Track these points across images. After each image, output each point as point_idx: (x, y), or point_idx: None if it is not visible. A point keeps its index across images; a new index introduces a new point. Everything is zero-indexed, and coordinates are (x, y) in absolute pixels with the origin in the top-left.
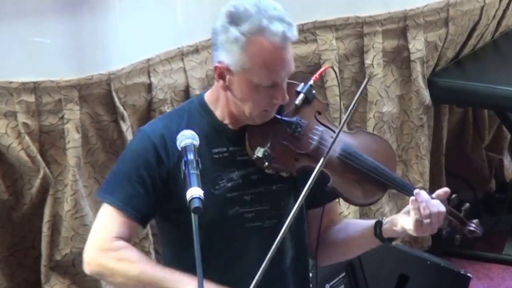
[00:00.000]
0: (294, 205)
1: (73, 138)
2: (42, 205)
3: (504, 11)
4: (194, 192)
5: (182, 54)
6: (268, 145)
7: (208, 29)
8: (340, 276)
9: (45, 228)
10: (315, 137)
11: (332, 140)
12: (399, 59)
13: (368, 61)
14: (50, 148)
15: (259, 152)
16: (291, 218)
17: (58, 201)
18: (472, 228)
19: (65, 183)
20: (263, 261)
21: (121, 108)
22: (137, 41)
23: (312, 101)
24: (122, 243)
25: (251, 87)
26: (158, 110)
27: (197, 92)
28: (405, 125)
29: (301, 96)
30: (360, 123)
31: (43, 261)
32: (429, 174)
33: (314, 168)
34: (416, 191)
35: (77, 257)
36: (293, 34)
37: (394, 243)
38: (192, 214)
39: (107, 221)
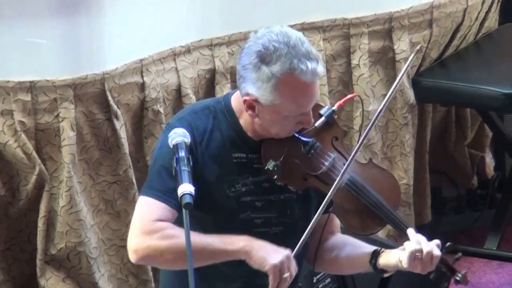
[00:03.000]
0: (300, 214)
1: (68, 136)
2: (38, 200)
3: (487, 13)
4: (185, 188)
5: (174, 55)
6: (281, 159)
7: (199, 30)
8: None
9: (40, 223)
10: (327, 163)
11: (343, 168)
12: (384, 59)
13: (354, 62)
14: (46, 145)
15: (270, 165)
16: (308, 230)
17: (53, 197)
18: (458, 279)
19: (60, 179)
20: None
21: (114, 106)
22: (131, 42)
23: (332, 126)
24: (163, 223)
25: (280, 117)
26: (151, 109)
27: (189, 91)
28: (390, 123)
29: (322, 119)
30: (347, 122)
31: (39, 255)
32: (413, 171)
33: (320, 189)
34: (409, 229)
35: (72, 251)
36: (321, 69)
37: (385, 275)
38: (183, 210)
39: (147, 209)
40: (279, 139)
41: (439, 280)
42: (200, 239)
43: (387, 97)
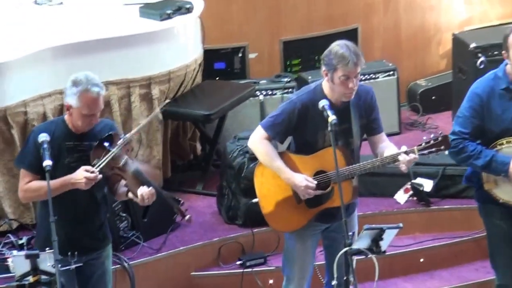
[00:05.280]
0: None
1: None
2: None
3: (196, 75)
4: (47, 163)
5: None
6: (101, 160)
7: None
8: (120, 206)
9: None
10: (123, 160)
11: (129, 161)
12: (148, 98)
13: (132, 99)
14: None
15: (95, 162)
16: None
17: None
18: (186, 218)
19: None
20: (88, 204)
21: None
22: None
23: (128, 143)
24: (31, 183)
25: (81, 114)
26: None
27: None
28: (150, 129)
29: (121, 140)
30: (129, 129)
31: None
32: (162, 152)
33: (120, 174)
34: (144, 189)
35: None
36: (103, 91)
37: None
38: (46, 173)
39: (23, 176)
40: (101, 146)
41: (173, 214)
42: (49, 184)
43: (142, 124)
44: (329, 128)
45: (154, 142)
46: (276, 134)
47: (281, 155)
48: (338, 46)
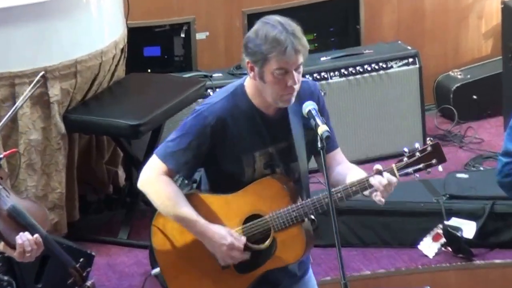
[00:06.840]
0: None
1: None
2: None
3: (116, 66)
4: None
5: None
6: None
7: None
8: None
9: None
10: None
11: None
12: (42, 101)
13: (19, 103)
14: None
15: None
16: None
17: None
18: (88, 285)
19: None
20: None
21: None
22: None
23: None
24: None
25: None
26: None
27: None
28: (48, 148)
29: None
30: (12, 146)
31: None
32: (65, 182)
33: None
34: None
35: None
36: None
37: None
38: None
39: None
40: None
41: (74, 285)
42: None
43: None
44: (319, 145)
45: (53, 167)
46: (180, 166)
47: (190, 197)
48: (268, 26)
